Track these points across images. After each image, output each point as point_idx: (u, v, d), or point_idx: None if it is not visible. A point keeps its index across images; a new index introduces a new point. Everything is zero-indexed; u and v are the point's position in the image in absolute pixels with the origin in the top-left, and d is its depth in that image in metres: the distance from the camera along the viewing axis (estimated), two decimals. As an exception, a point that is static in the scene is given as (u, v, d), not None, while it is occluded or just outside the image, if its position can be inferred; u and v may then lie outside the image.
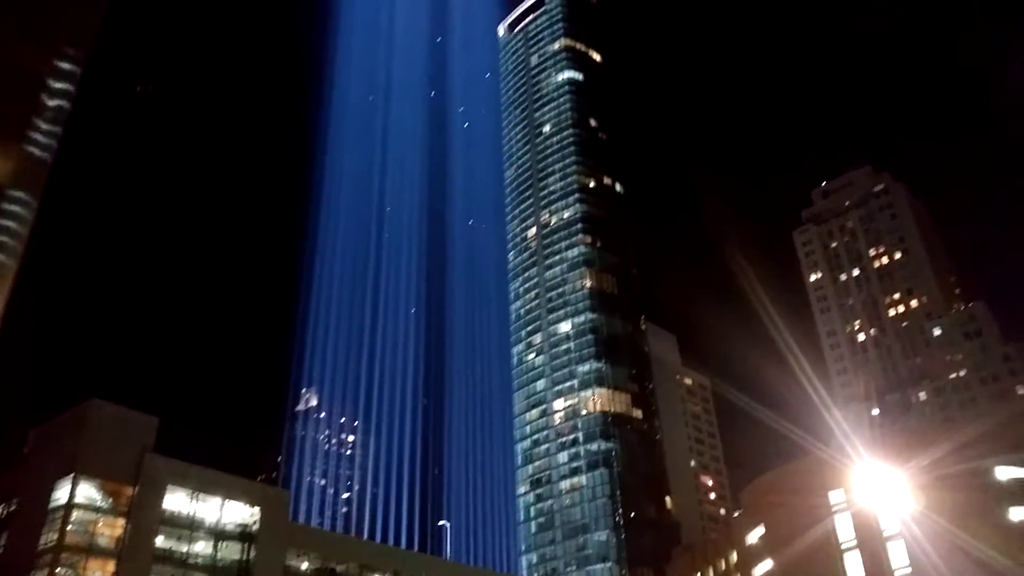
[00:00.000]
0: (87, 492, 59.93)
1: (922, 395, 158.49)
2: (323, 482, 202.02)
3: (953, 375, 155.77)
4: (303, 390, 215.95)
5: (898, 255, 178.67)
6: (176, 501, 63.92)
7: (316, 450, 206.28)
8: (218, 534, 65.17)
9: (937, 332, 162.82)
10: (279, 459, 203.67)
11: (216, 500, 66.00)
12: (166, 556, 61.83)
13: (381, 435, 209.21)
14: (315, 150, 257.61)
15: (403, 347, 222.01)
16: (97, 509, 60.17)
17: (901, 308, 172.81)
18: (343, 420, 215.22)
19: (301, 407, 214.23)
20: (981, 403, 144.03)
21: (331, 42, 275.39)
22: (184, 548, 63.23)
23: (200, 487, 65.16)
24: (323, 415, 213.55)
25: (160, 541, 61.99)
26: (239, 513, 67.33)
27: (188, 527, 63.75)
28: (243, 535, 66.17)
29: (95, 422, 62.53)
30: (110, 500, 60.92)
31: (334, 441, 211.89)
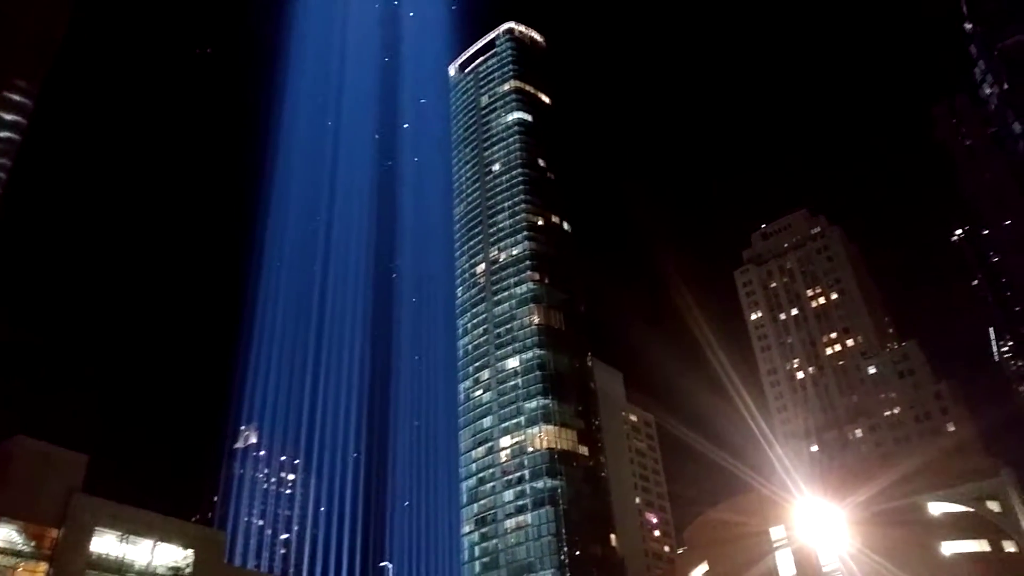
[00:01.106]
0: (8, 535, 56.75)
1: (858, 432, 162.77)
2: (261, 522, 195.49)
3: (888, 412, 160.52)
4: (242, 427, 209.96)
5: (834, 296, 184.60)
6: (104, 544, 60.95)
7: (254, 489, 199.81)
8: (148, 578, 62.32)
9: (872, 370, 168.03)
10: (215, 499, 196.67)
11: (147, 542, 63.20)
12: (91, 602, 58.74)
13: (322, 474, 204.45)
14: (262, 185, 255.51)
15: (347, 383, 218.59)
16: (18, 553, 56.95)
17: (838, 347, 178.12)
18: (283, 458, 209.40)
19: (239, 444, 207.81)
20: (914, 440, 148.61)
21: (282, 77, 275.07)
22: (111, 593, 60.22)
23: (130, 529, 62.35)
24: (262, 453, 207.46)
25: (85, 586, 58.91)
26: (171, 555, 64.60)
27: (117, 571, 60.79)
28: (175, 578, 63.43)
29: (19, 460, 59.49)
30: (33, 543, 57.76)
31: (273, 480, 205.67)
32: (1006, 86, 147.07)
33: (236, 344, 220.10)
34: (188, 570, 64.34)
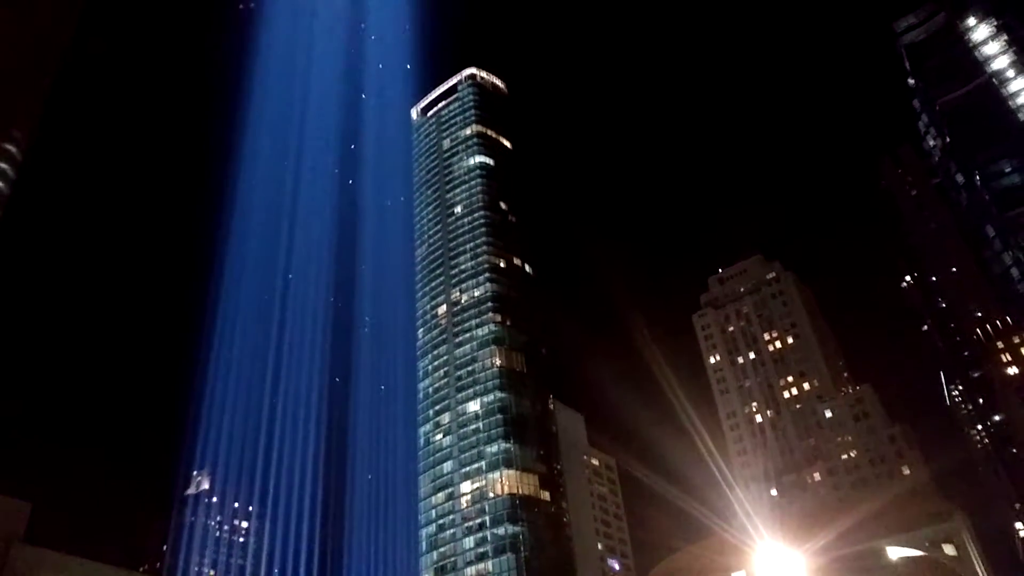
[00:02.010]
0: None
1: (817, 475, 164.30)
2: (212, 572, 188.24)
3: (844, 456, 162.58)
4: (194, 472, 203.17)
5: (790, 340, 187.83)
6: (46, 598, 58.05)
7: (206, 537, 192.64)
8: (92, 634, 59.37)
9: (828, 414, 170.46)
10: (164, 547, 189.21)
11: (92, 596, 60.40)
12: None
13: (278, 521, 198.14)
14: (218, 226, 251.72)
15: (304, 427, 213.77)
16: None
17: (794, 391, 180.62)
18: (236, 505, 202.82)
19: (191, 491, 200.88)
20: (871, 483, 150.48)
21: (242, 121, 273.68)
22: (52, 651, 57.11)
23: (74, 582, 59.53)
24: (215, 499, 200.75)
25: (24, 644, 55.82)
26: (117, 610, 61.77)
27: (58, 627, 57.85)
28: (121, 635, 60.51)
29: (-44, 510, 56.65)
30: (-32, 598, 54.80)
31: (226, 527, 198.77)
32: (948, 139, 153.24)
33: (189, 387, 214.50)
34: (134, 626, 61.58)
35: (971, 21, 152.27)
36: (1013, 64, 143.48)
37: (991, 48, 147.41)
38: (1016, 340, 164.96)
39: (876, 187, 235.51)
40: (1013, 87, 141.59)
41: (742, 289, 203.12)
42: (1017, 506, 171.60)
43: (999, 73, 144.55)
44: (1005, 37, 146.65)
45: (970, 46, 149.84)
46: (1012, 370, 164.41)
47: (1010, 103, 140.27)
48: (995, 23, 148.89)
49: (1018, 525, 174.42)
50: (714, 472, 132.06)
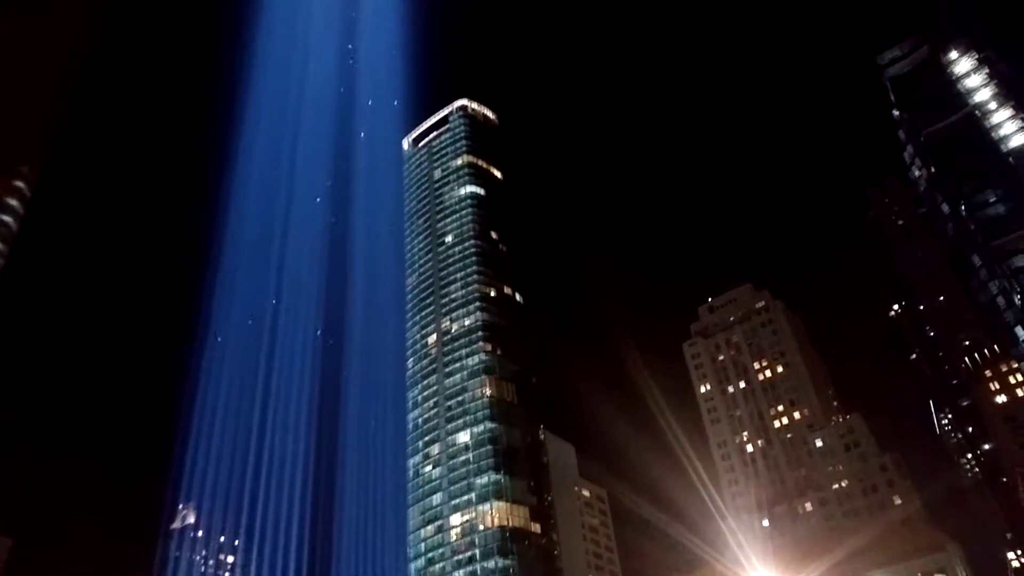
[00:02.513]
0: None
1: (808, 505, 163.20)
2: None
3: (836, 486, 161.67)
4: (179, 506, 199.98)
5: (780, 368, 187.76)
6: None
7: (191, 572, 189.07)
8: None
9: (819, 443, 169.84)
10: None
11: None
12: None
13: (264, 555, 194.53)
14: (207, 256, 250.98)
15: (292, 459, 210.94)
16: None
17: (785, 420, 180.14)
18: (222, 539, 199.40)
19: (176, 524, 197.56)
20: (863, 513, 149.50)
21: (234, 148, 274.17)
22: None
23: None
24: (200, 533, 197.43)
25: None
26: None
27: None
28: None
29: (-68, 548, 55.34)
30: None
31: (211, 562, 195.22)
32: (933, 170, 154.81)
33: (175, 421, 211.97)
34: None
35: (953, 55, 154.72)
36: (995, 96, 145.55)
37: (973, 81, 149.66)
38: (1004, 368, 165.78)
39: (864, 217, 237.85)
40: (995, 119, 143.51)
41: (732, 318, 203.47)
42: (1009, 536, 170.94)
43: (982, 105, 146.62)
44: (986, 70, 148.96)
45: (953, 79, 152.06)
46: (1000, 398, 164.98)
47: (993, 134, 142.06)
48: (976, 56, 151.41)
49: (1010, 555, 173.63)
50: (706, 502, 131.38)
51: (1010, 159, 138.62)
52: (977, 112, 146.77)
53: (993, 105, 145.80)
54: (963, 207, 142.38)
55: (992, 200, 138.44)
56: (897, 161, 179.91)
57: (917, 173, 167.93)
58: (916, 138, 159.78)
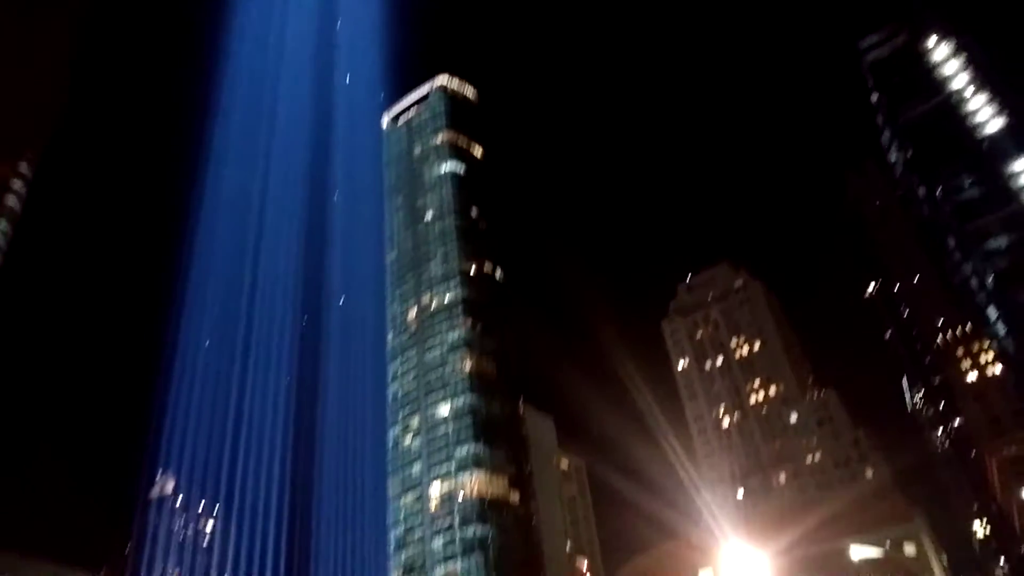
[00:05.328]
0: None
1: (782, 478, 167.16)
2: (177, 573, 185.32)
3: (809, 459, 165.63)
4: (159, 474, 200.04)
5: (757, 346, 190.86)
6: (7, 597, 57.13)
7: (170, 539, 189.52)
8: (55, 633, 58.43)
9: (794, 418, 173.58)
10: (126, 550, 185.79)
11: (55, 595, 59.43)
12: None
13: (243, 522, 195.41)
14: (187, 224, 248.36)
15: (271, 429, 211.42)
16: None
17: (761, 395, 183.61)
18: (201, 507, 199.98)
19: (155, 493, 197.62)
20: (835, 485, 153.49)
21: (211, 121, 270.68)
22: (13, 650, 56.15)
23: (37, 581, 58.56)
24: (179, 501, 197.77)
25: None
26: (81, 609, 60.88)
27: (20, 626, 56.86)
28: (85, 634, 59.68)
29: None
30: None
31: (191, 529, 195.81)
32: (910, 154, 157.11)
33: (154, 389, 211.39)
34: (99, 624, 60.68)
35: (931, 41, 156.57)
36: (971, 83, 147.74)
37: (951, 67, 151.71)
38: (975, 347, 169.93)
39: (842, 198, 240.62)
40: (972, 105, 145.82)
41: (710, 296, 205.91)
42: (976, 507, 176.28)
43: (958, 92, 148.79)
44: (964, 57, 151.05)
45: (931, 65, 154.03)
46: (971, 376, 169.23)
47: (969, 121, 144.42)
48: (955, 43, 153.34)
49: (976, 526, 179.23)
50: (680, 475, 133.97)
51: (985, 145, 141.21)
52: (954, 98, 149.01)
53: (970, 91, 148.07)
54: (939, 191, 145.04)
55: (967, 184, 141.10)
56: (875, 146, 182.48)
57: (894, 157, 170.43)
58: (894, 123, 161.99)
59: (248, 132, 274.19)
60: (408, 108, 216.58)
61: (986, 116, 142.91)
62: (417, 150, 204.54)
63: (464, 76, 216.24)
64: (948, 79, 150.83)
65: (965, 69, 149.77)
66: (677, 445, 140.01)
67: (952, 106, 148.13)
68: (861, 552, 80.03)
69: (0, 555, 57.09)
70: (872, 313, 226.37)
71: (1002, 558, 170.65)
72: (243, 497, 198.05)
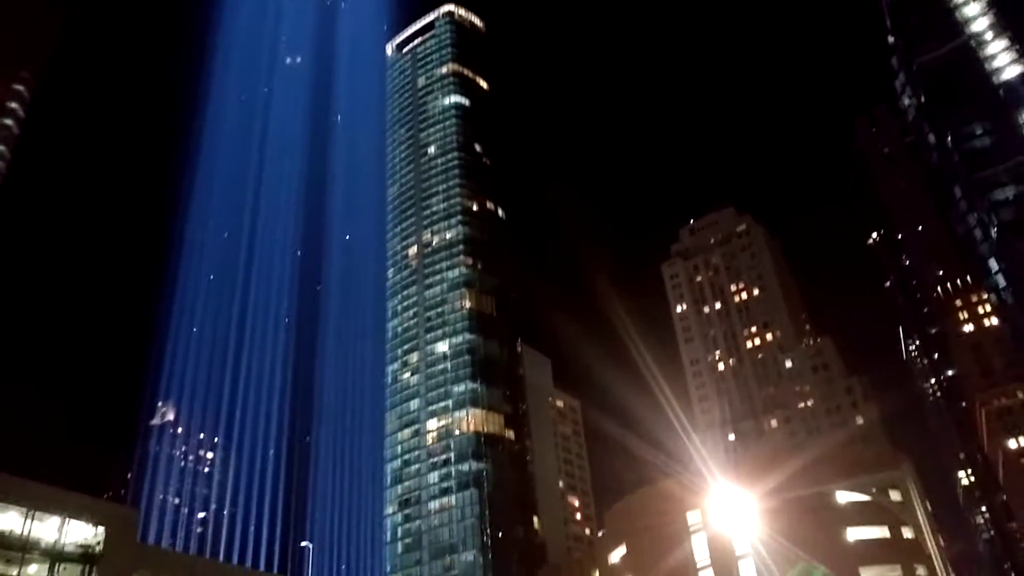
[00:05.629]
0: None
1: (774, 423, 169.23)
2: (177, 500, 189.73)
3: (802, 405, 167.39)
4: (159, 403, 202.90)
5: (756, 291, 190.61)
6: (7, 520, 58.02)
7: (171, 467, 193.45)
8: (56, 556, 59.62)
9: (788, 364, 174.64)
10: (128, 476, 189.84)
11: (55, 519, 60.42)
12: (-9, 581, 56.00)
13: (243, 452, 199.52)
14: (188, 151, 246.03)
15: (271, 361, 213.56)
16: (-90, 529, 53.84)
17: (757, 340, 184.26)
18: (202, 436, 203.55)
19: (156, 421, 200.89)
20: (826, 431, 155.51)
21: (212, 46, 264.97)
22: (14, 572, 57.37)
23: (36, 505, 59.40)
24: (180, 430, 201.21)
25: (-15, 564, 56.10)
26: (81, 533, 62.04)
27: (21, 548, 57.92)
28: (85, 557, 60.92)
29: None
30: (-73, 519, 54.69)
31: (191, 458, 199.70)
32: (923, 99, 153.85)
33: (154, 319, 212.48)
34: (99, 548, 61.96)
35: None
36: (992, 27, 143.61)
37: (971, 9, 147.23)
38: (974, 299, 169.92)
39: (850, 145, 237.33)
40: (990, 49, 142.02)
41: (712, 240, 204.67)
42: (962, 456, 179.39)
43: (978, 35, 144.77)
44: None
45: (951, 6, 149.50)
46: (968, 328, 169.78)
47: (986, 65, 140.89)
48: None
49: (960, 474, 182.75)
50: (672, 418, 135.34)
51: (1001, 91, 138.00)
52: (973, 42, 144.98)
53: (989, 35, 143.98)
54: (949, 138, 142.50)
55: (979, 132, 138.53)
56: (888, 91, 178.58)
57: (907, 102, 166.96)
58: (909, 66, 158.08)
59: (250, 57, 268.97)
60: (413, 36, 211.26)
61: (1004, 61, 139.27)
62: (421, 81, 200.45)
63: (471, 5, 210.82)
64: (968, 21, 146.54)
65: (986, 12, 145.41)
66: (668, 390, 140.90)
67: (970, 50, 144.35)
68: (847, 496, 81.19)
69: (3, 479, 57.63)
70: (873, 261, 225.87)
71: (984, 506, 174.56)
72: (243, 427, 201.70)
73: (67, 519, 61.05)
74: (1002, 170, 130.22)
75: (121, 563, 63.41)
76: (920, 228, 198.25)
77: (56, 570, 59.46)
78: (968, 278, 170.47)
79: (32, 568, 58.71)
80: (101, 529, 62.72)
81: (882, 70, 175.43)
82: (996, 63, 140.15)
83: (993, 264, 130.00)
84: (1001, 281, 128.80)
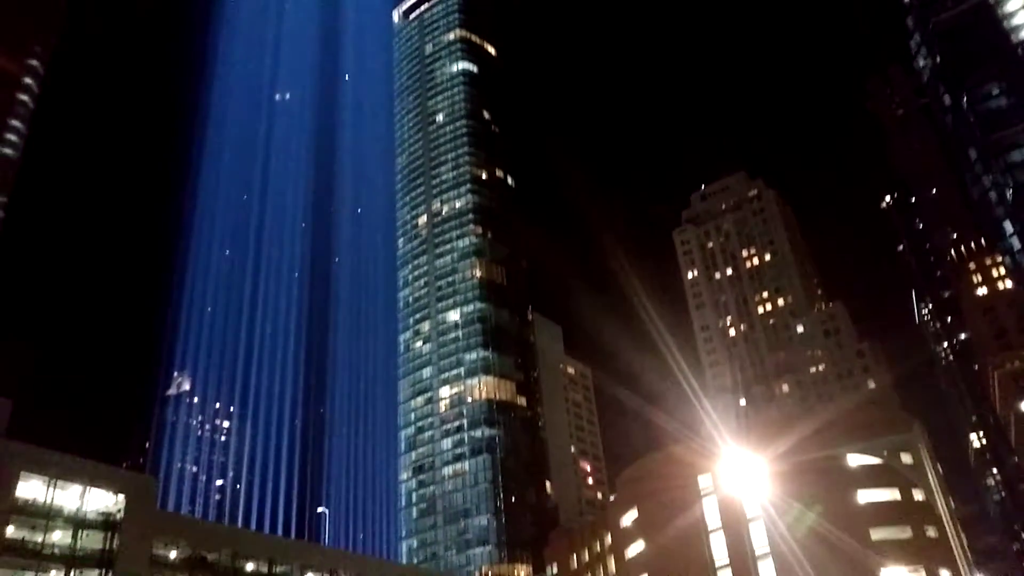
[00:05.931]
0: (-74, 479, 54.86)
1: (785, 387, 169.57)
2: (194, 469, 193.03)
3: (813, 369, 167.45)
4: (175, 373, 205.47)
5: (768, 256, 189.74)
6: (31, 489, 59.41)
7: (188, 436, 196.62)
8: (78, 523, 61.11)
9: (800, 329, 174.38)
10: (147, 445, 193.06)
11: (77, 487, 61.80)
12: (17, 547, 57.40)
13: (258, 421, 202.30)
14: (199, 126, 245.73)
15: (284, 330, 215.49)
16: (-63, 497, 55.21)
17: (769, 306, 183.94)
18: (218, 405, 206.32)
19: (172, 391, 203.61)
20: (837, 396, 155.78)
21: (218, 20, 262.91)
22: (39, 538, 58.89)
23: (58, 474, 60.75)
24: (196, 400, 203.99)
25: (11, 531, 57.51)
26: (102, 501, 63.48)
27: (45, 516, 59.40)
28: (106, 524, 62.40)
29: (-61, 404, 57.34)
30: (-46, 488, 56.01)
31: (207, 427, 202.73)
32: (938, 59, 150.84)
33: (169, 289, 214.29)
34: (119, 515, 63.42)
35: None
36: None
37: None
38: (988, 262, 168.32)
39: (862, 108, 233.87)
40: (1009, 7, 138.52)
41: (724, 206, 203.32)
42: (973, 419, 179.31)
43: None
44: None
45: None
46: (982, 291, 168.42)
47: (1004, 24, 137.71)
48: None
49: (972, 437, 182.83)
50: (683, 384, 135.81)
51: (1019, 51, 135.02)
52: (990, 0, 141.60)
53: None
54: (965, 99, 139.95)
55: (995, 93, 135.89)
56: (903, 51, 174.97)
57: (922, 63, 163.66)
58: (925, 26, 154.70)
59: (257, 26, 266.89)
60: (420, 2, 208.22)
61: (1023, 20, 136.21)
62: (429, 47, 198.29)
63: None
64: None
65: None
66: (681, 355, 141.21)
67: (987, 9, 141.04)
68: (858, 459, 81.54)
69: (25, 448, 58.90)
70: (886, 225, 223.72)
71: (995, 468, 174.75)
72: (258, 397, 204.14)
73: (88, 487, 62.47)
74: (1019, 131, 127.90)
75: (141, 529, 64.89)
76: (934, 191, 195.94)
77: (79, 536, 61.04)
78: (982, 241, 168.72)
79: (56, 535, 60.22)
80: (121, 497, 64.15)
81: (897, 31, 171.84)
82: (1015, 21, 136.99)
83: (1008, 226, 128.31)
84: (1016, 244, 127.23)
